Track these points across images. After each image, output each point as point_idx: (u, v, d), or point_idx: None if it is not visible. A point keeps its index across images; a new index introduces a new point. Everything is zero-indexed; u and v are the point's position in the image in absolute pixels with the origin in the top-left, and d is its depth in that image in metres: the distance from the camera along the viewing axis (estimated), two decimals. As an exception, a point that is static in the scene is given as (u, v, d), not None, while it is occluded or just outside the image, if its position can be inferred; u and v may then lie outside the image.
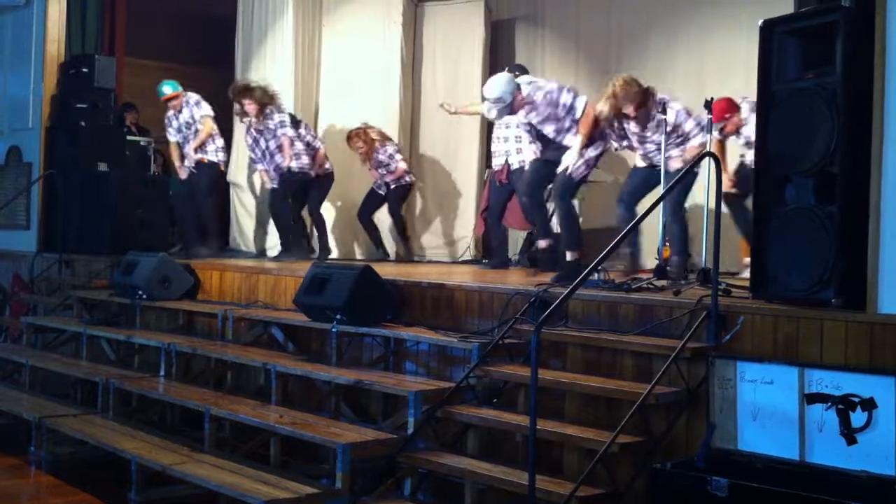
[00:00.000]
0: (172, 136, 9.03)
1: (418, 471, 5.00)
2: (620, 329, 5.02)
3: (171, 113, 9.02)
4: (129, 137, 10.33)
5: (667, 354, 4.51)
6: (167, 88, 8.85)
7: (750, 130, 6.84)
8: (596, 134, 6.78)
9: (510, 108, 6.82)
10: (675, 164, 6.55)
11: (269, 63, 10.18)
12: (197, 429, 6.02)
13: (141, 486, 5.39)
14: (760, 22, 4.70)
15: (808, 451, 4.06)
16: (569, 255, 6.92)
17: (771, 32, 4.64)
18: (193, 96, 8.93)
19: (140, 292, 7.52)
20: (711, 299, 4.62)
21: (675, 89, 8.33)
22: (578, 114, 6.79)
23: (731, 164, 7.47)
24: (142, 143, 10.53)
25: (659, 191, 6.15)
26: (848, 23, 4.30)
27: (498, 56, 9.90)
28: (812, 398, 4.01)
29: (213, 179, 9.20)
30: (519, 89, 6.81)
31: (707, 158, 4.93)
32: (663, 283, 5.71)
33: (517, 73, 7.68)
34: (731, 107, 7.28)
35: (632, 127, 6.59)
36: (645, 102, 6.47)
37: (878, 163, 4.14)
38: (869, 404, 3.85)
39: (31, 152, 10.00)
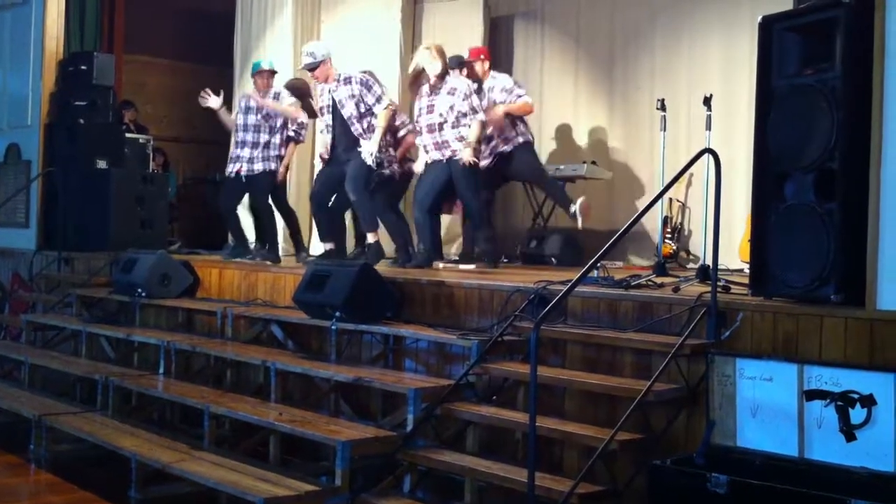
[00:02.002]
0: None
1: (418, 468, 5.00)
2: (620, 326, 5.01)
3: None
4: (127, 135, 10.32)
5: (666, 351, 4.50)
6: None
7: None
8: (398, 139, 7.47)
9: (315, 69, 7.31)
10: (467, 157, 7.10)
11: (269, 60, 10.17)
12: (196, 426, 6.02)
13: (141, 484, 5.39)
14: (760, 18, 4.70)
15: (807, 447, 4.06)
16: (370, 238, 7.30)
17: (770, 29, 4.63)
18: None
19: (139, 290, 7.52)
20: (711, 296, 4.61)
21: (678, 86, 8.38)
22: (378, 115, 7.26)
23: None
24: (141, 141, 10.52)
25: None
26: (848, 19, 4.29)
27: (497, 53, 9.88)
28: (811, 395, 4.01)
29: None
30: (330, 59, 7.32)
31: (706, 155, 4.91)
32: (662, 280, 5.71)
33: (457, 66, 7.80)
34: None
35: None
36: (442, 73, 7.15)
37: (878, 159, 4.13)
38: (868, 401, 3.85)
39: (30, 150, 9.99)
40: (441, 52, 7.19)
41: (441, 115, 7.11)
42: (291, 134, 8.22)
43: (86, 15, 10.52)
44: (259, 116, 8.05)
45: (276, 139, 8.08)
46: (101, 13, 10.78)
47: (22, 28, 10.17)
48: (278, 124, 8.07)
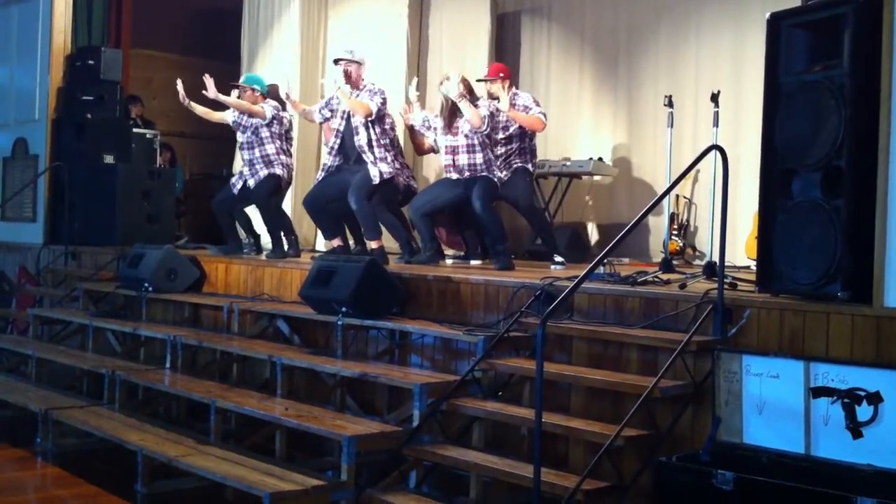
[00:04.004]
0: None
1: (423, 463, 5.00)
2: (626, 322, 5.01)
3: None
4: (134, 130, 10.34)
5: (672, 348, 4.50)
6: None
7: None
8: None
9: (350, 67, 7.31)
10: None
11: (275, 56, 10.19)
12: (202, 421, 6.04)
13: (147, 478, 5.41)
14: (768, 15, 4.69)
15: (813, 444, 4.05)
16: (374, 244, 7.27)
17: (778, 25, 4.63)
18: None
19: (146, 285, 7.53)
20: (717, 293, 4.61)
21: (684, 83, 8.35)
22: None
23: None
24: (147, 136, 10.55)
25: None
26: (856, 16, 4.28)
27: (504, 49, 9.88)
28: (818, 392, 4.00)
29: None
30: (364, 68, 7.38)
31: (713, 152, 4.90)
32: (669, 276, 5.71)
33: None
34: None
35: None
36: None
37: (885, 156, 4.13)
38: (875, 398, 3.85)
39: (38, 144, 10.02)
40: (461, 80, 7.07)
41: (466, 135, 7.02)
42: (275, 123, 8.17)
43: (93, 10, 10.55)
44: (249, 133, 8.07)
45: (271, 148, 8.04)
46: (109, 8, 10.81)
47: (29, 23, 10.20)
48: (264, 135, 8.02)
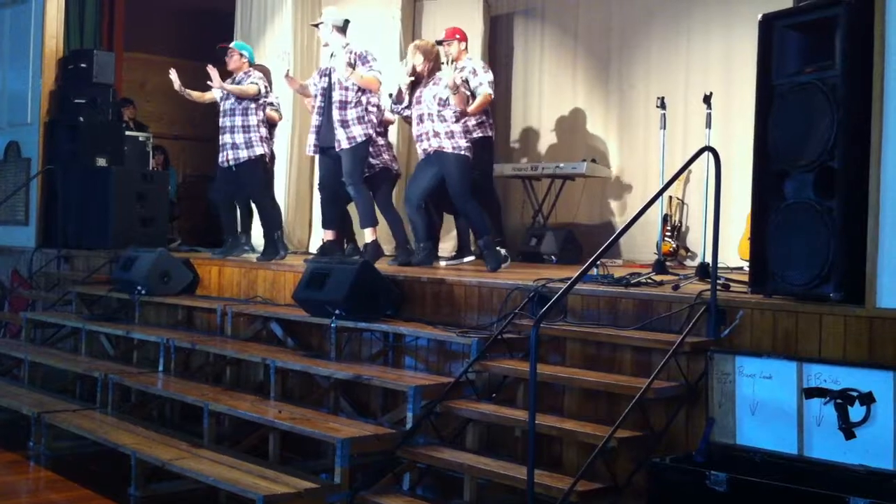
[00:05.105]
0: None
1: (417, 466, 5.00)
2: (620, 324, 5.01)
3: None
4: (127, 133, 10.32)
5: (666, 349, 4.50)
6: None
7: None
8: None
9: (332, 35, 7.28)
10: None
11: (269, 58, 10.16)
12: (196, 424, 6.03)
13: (141, 482, 5.40)
14: (760, 16, 4.70)
15: (806, 445, 4.06)
16: (368, 234, 7.20)
17: (771, 27, 4.64)
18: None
19: (139, 288, 7.52)
20: (710, 294, 4.62)
21: (676, 84, 8.37)
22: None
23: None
24: (140, 139, 10.52)
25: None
26: (848, 17, 4.29)
27: (497, 51, 9.89)
28: (810, 393, 4.01)
29: None
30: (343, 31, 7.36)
31: (706, 153, 4.91)
32: (662, 277, 5.72)
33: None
34: None
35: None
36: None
37: (878, 157, 4.14)
38: (867, 399, 3.85)
39: (30, 147, 9.99)
40: (420, 48, 7.12)
41: (428, 105, 6.99)
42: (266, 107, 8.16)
43: (86, 12, 10.53)
44: (233, 100, 7.95)
45: (253, 119, 7.91)
46: (101, 10, 10.78)
47: (22, 26, 10.17)
48: (252, 106, 7.92)
